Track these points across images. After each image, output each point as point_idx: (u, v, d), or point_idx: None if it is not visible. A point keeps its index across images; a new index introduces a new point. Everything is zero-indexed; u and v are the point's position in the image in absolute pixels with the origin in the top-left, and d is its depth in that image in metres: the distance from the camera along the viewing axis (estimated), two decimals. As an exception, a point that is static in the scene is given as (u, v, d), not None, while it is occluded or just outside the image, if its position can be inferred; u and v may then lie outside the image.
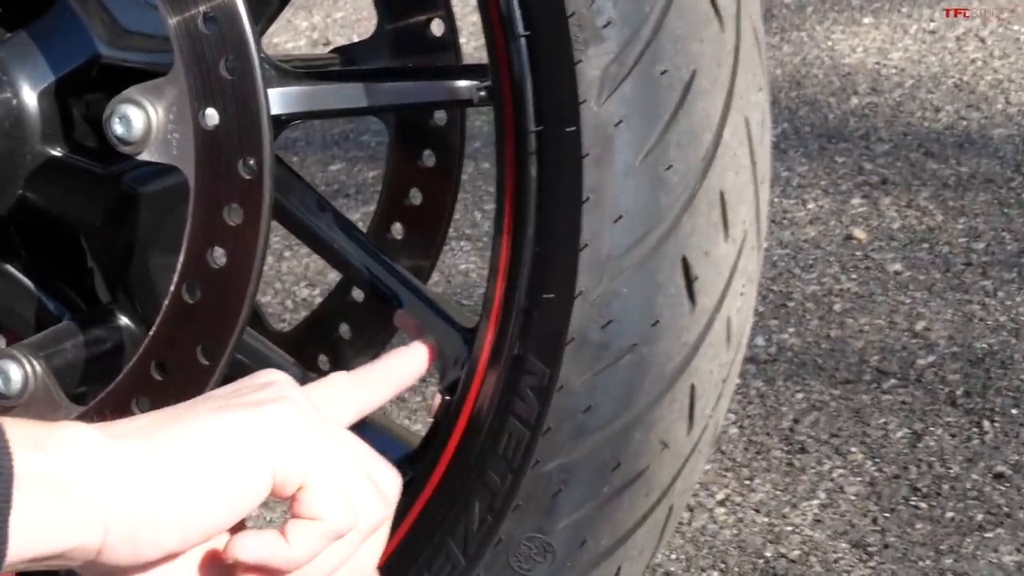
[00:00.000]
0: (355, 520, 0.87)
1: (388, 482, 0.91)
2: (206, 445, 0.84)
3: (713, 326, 1.06)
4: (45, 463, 0.80)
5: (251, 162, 1.02)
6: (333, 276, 2.24)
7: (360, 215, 2.47)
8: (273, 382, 0.90)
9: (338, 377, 1.00)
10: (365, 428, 0.97)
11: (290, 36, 3.35)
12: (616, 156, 1.01)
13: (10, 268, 1.20)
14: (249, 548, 0.84)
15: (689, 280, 1.04)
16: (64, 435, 0.82)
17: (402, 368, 1.06)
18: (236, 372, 0.98)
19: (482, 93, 1.10)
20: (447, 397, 1.10)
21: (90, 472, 0.81)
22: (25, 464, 0.78)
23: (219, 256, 1.04)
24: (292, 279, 2.33)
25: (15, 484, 0.78)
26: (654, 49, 1.01)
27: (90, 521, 0.80)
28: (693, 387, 1.07)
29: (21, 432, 0.80)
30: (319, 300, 2.15)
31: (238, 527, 0.86)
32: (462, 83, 1.12)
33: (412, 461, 1.12)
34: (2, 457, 0.78)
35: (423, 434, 1.15)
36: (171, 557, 0.84)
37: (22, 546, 0.78)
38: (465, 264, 2.32)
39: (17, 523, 0.78)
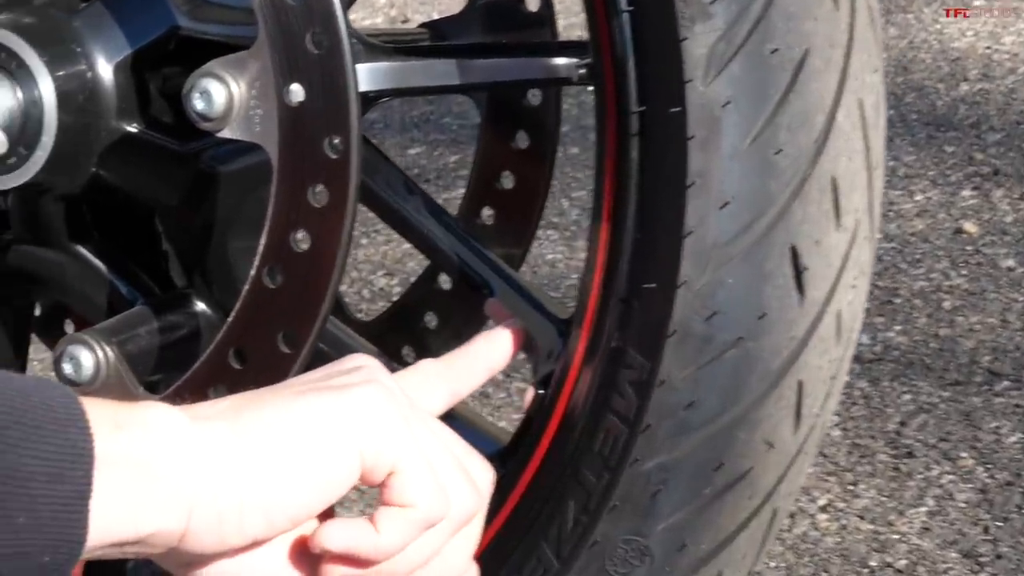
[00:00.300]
0: (447, 508, 0.85)
1: (481, 473, 0.90)
2: (292, 428, 0.82)
3: (823, 320, 1.04)
4: (126, 444, 0.78)
5: (337, 141, 1.01)
6: (413, 265, 2.23)
7: (441, 201, 2.44)
8: (362, 367, 0.89)
9: (426, 364, 0.99)
10: (453, 423, 0.95)
11: (367, 13, 3.36)
12: (723, 139, 0.99)
13: (82, 250, 1.19)
14: (337, 537, 0.82)
15: (798, 270, 1.02)
16: (145, 415, 0.80)
17: (492, 352, 1.04)
18: (317, 362, 0.97)
19: (582, 71, 1.08)
20: (540, 391, 1.08)
21: (173, 454, 0.79)
22: (106, 445, 0.77)
23: (302, 239, 1.03)
24: (369, 267, 2.32)
25: (95, 466, 0.76)
26: (764, 27, 0.99)
27: (173, 504, 0.79)
28: (801, 384, 1.04)
29: (101, 412, 0.78)
30: (398, 290, 2.15)
31: (327, 515, 0.84)
32: (560, 60, 1.11)
33: (503, 458, 1.10)
34: (83, 438, 0.76)
35: (511, 431, 1.13)
36: (256, 544, 0.82)
37: (102, 530, 0.76)
38: (552, 254, 2.31)
39: (97, 506, 0.76)
